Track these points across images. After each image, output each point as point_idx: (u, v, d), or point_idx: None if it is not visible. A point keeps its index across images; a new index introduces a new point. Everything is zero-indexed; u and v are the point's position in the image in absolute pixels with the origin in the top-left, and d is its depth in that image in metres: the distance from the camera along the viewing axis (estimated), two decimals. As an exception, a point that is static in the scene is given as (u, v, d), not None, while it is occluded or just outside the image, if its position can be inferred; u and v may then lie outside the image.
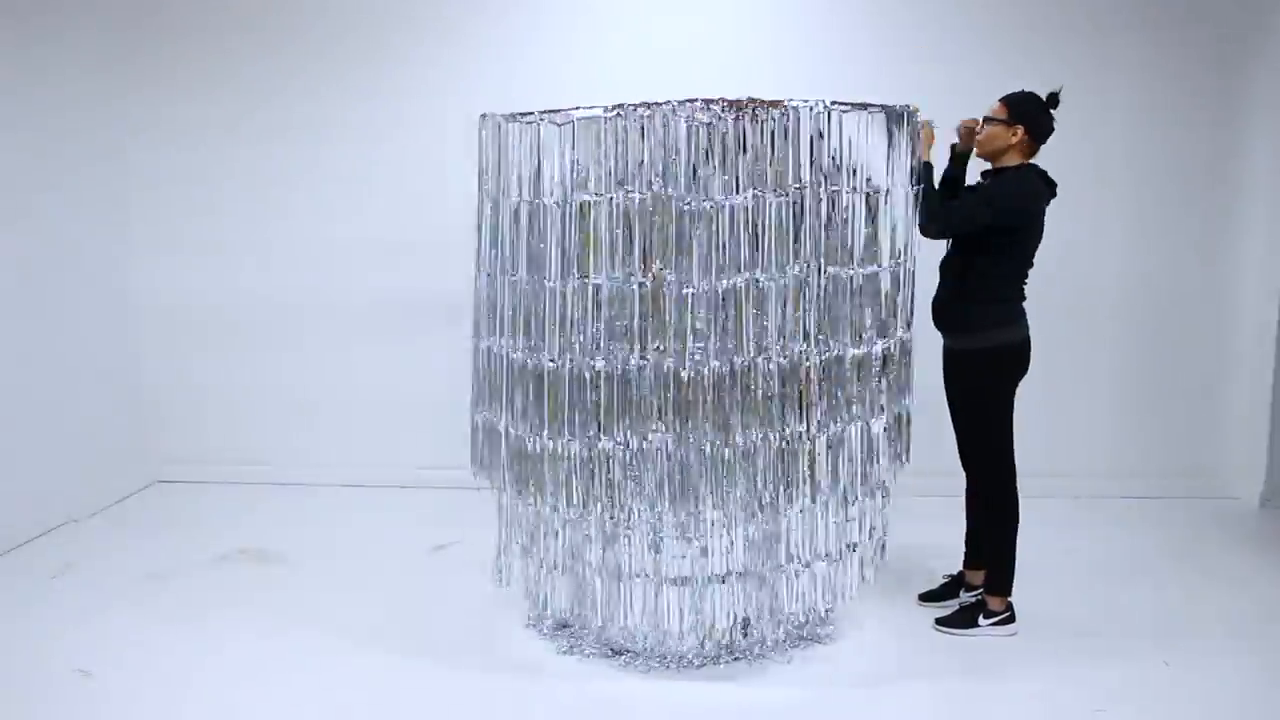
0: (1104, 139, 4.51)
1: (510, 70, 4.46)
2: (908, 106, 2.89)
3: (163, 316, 4.74)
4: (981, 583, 3.28)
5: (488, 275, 2.94)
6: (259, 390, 4.79)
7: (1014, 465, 3.15)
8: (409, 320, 4.63)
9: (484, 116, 2.89)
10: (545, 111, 2.70)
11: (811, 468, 2.75)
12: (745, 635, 2.93)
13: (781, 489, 2.72)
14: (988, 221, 3.00)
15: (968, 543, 3.38)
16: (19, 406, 3.95)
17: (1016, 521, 3.16)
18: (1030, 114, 3.05)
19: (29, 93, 4.00)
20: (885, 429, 2.92)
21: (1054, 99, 3.07)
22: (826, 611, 3.24)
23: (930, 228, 3.06)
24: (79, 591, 3.50)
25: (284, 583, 3.61)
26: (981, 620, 3.17)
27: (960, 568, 3.42)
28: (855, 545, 2.97)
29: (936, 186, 3.12)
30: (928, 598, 3.40)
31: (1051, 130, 3.10)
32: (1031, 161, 3.11)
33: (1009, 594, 3.19)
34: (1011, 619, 3.18)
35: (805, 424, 2.72)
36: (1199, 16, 4.43)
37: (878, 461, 2.91)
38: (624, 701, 2.78)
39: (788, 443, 2.71)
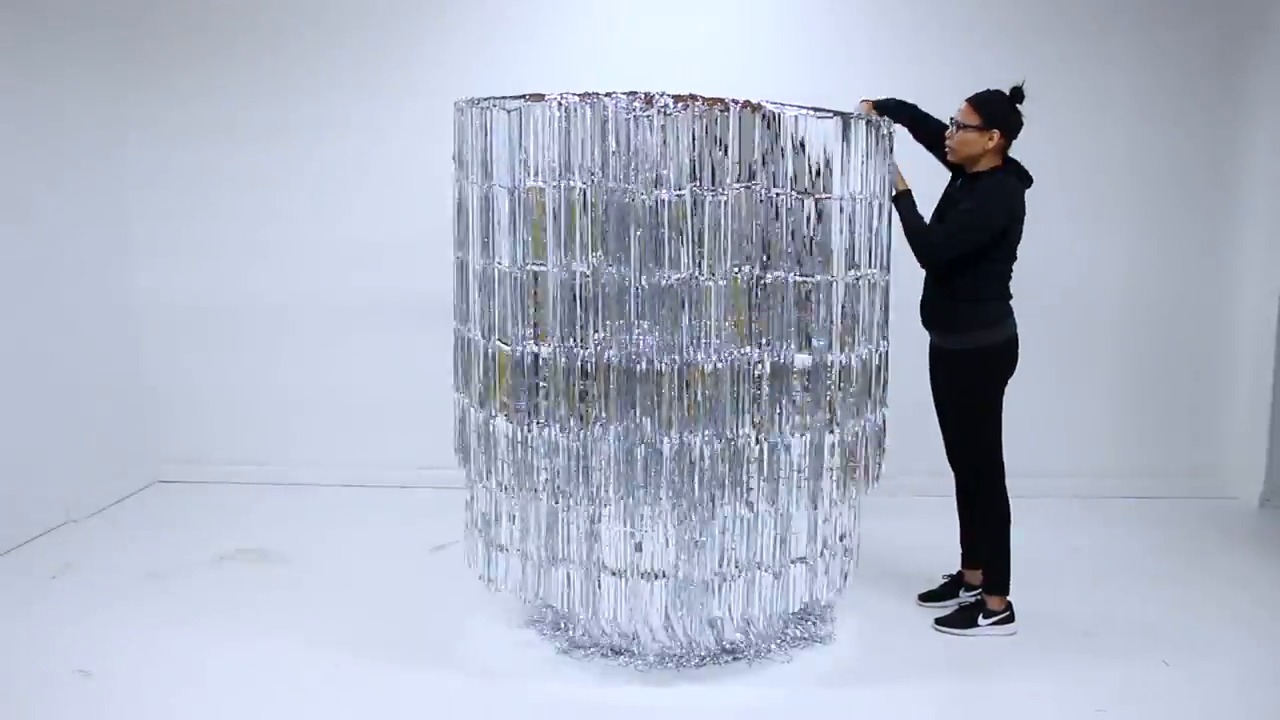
0: (1104, 138, 4.51)
1: (507, 70, 4.46)
2: (864, 116, 2.82)
3: (162, 316, 4.74)
4: (980, 582, 3.28)
5: (459, 259, 2.96)
6: (259, 390, 4.79)
7: (1003, 464, 3.14)
8: (409, 319, 4.63)
9: (456, 103, 2.90)
10: (498, 98, 2.70)
11: (747, 473, 2.71)
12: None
13: (717, 492, 2.69)
14: (983, 240, 2.97)
15: (963, 543, 3.37)
16: (18, 406, 3.95)
17: (1009, 519, 3.16)
18: (1003, 115, 3.00)
19: (28, 92, 4.00)
20: (840, 443, 2.85)
21: (1019, 93, 3.01)
22: (826, 610, 3.24)
23: (928, 261, 3.04)
24: (79, 591, 3.50)
25: (284, 583, 3.61)
26: (981, 620, 3.17)
27: (959, 568, 3.42)
28: (803, 558, 2.88)
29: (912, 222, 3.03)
30: (928, 598, 3.39)
31: (1022, 125, 3.04)
32: (1007, 156, 3.08)
33: (1007, 593, 3.19)
34: (1011, 618, 3.18)
35: (745, 428, 2.69)
36: (1200, 15, 4.43)
37: (829, 475, 2.85)
38: (622, 702, 2.77)
39: (727, 445, 2.67)
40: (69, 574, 3.65)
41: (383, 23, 4.54)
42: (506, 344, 2.75)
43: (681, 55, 4.35)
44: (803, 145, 2.64)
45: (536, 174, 2.63)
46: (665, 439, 2.64)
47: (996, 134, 2.99)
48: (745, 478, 2.70)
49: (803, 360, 2.72)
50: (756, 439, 2.70)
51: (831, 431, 2.81)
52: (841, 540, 2.99)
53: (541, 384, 2.70)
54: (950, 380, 3.16)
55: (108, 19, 4.46)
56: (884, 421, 3.06)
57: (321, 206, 4.66)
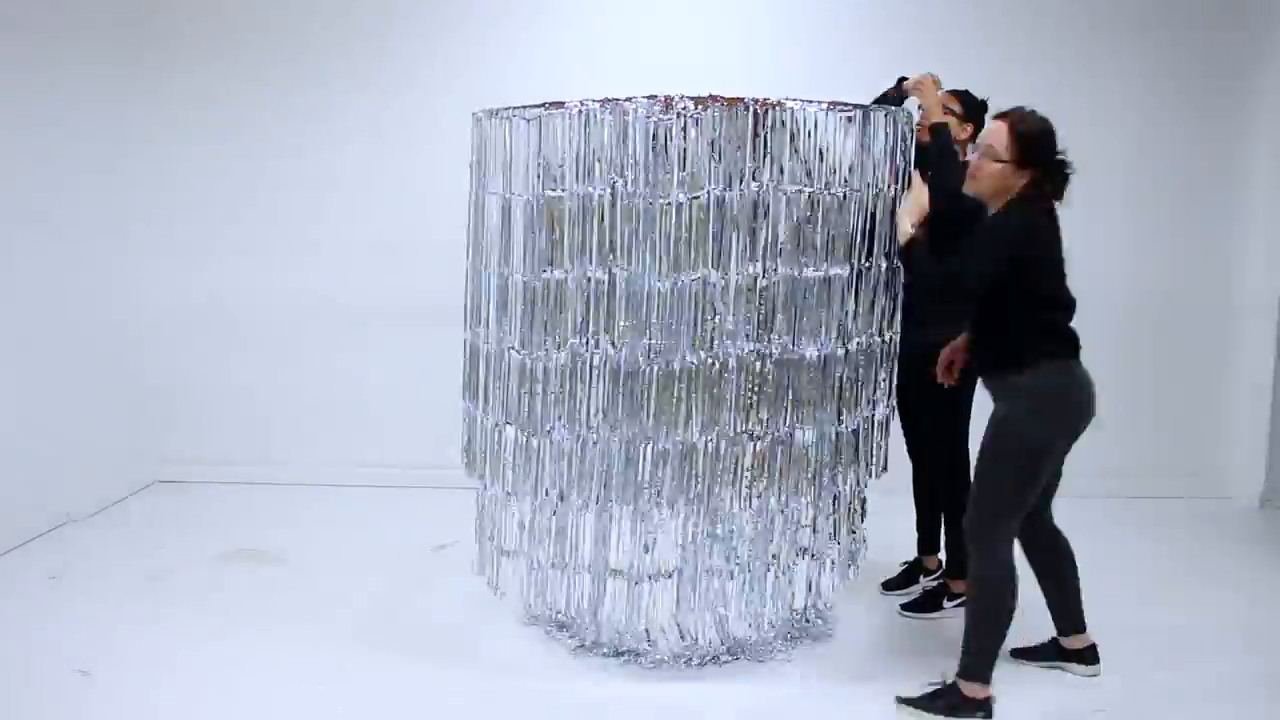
0: (1104, 139, 4.50)
1: (505, 69, 4.47)
2: (891, 110, 2.83)
3: (163, 316, 4.74)
4: (936, 567, 3.40)
5: (472, 266, 2.98)
6: (259, 390, 4.79)
7: (968, 457, 3.19)
8: (409, 320, 4.63)
9: (475, 114, 2.93)
10: (517, 108, 2.72)
11: (753, 469, 2.73)
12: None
13: (724, 488, 2.71)
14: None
15: (920, 530, 3.44)
16: (19, 406, 3.94)
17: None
18: (981, 115, 3.14)
19: (29, 93, 4.00)
20: (846, 435, 2.87)
21: (985, 107, 3.17)
22: (826, 608, 3.24)
23: (956, 198, 2.93)
24: (79, 591, 3.50)
25: (284, 583, 3.61)
26: (946, 603, 3.27)
27: (916, 554, 3.49)
28: (810, 551, 2.93)
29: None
30: (890, 586, 3.47)
31: None
32: None
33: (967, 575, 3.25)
34: None
35: (749, 424, 2.70)
36: (1200, 16, 4.43)
37: (838, 468, 2.87)
38: (623, 701, 2.77)
39: (732, 441, 2.69)
40: (69, 574, 3.66)
41: (385, 25, 4.54)
42: (521, 353, 2.76)
43: (682, 54, 4.35)
44: (823, 152, 2.67)
45: (557, 181, 2.65)
46: (673, 438, 2.65)
47: (970, 128, 3.13)
48: (747, 474, 2.72)
49: (809, 354, 2.74)
50: (765, 433, 2.71)
51: (840, 422, 2.83)
52: (853, 533, 3.04)
53: (550, 389, 2.70)
54: (926, 380, 3.14)
55: (110, 20, 4.46)
56: (890, 410, 3.08)
57: (321, 207, 4.66)
